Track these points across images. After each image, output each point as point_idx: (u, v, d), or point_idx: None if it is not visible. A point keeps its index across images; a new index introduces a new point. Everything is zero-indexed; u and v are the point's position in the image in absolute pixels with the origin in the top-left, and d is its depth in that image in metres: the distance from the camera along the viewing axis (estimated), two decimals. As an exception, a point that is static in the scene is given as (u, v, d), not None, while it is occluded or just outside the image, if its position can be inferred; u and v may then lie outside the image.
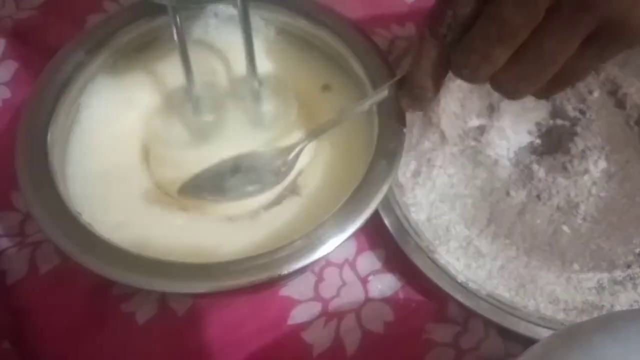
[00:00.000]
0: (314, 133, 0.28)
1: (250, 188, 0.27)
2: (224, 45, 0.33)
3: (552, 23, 0.20)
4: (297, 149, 0.28)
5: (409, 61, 0.35)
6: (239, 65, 0.30)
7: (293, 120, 0.31)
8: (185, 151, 0.30)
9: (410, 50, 0.30)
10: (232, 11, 0.33)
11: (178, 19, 0.26)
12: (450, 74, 0.26)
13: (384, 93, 0.27)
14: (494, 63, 0.22)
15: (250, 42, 0.28)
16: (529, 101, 0.36)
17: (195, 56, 0.29)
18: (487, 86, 0.37)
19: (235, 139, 0.30)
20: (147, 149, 0.31)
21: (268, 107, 0.31)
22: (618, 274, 0.30)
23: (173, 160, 0.30)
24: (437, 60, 0.24)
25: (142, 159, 0.30)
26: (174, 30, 0.26)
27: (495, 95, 0.36)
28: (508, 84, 0.23)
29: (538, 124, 0.36)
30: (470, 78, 0.23)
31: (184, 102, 0.30)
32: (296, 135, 0.29)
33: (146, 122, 0.31)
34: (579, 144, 0.34)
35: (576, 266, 0.31)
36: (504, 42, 0.21)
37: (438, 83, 0.25)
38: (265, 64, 0.33)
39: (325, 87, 0.33)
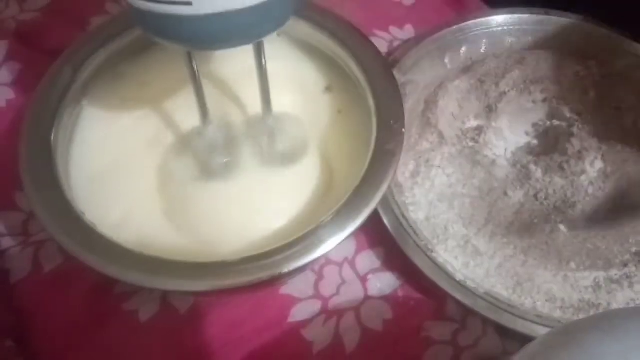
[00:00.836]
0: None
1: None
2: (234, 72, 0.32)
3: None
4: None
5: (408, 63, 0.36)
6: (251, 97, 0.30)
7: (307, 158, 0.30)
8: (196, 191, 0.29)
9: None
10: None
11: (195, 66, 0.25)
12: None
13: None
14: None
15: (266, 82, 0.27)
16: (526, 102, 0.37)
17: (207, 90, 0.28)
18: (485, 87, 0.37)
19: (249, 180, 0.29)
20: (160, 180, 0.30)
21: (283, 145, 0.30)
22: (614, 272, 0.31)
23: (184, 198, 0.29)
24: None
25: (145, 159, 0.31)
26: (190, 74, 0.26)
27: (493, 96, 0.36)
28: None
29: (535, 125, 0.36)
30: None
31: (199, 143, 0.30)
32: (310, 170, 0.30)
33: (155, 147, 0.31)
34: (576, 144, 0.34)
35: (573, 265, 0.31)
36: None
37: None
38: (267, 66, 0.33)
39: (328, 89, 0.33)
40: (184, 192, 0.29)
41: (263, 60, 0.26)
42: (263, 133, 0.30)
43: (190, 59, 0.25)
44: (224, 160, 0.30)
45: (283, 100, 0.31)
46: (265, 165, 0.30)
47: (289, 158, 0.30)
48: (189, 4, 0.20)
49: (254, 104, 0.29)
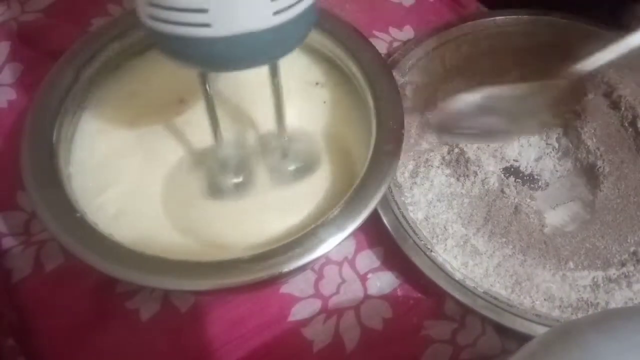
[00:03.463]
0: None
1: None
2: (249, 94, 0.32)
3: None
4: None
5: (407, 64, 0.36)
6: (264, 116, 0.29)
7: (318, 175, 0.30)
8: (205, 209, 0.29)
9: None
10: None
11: (208, 87, 0.25)
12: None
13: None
14: None
15: (280, 100, 0.27)
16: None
17: (220, 106, 0.27)
18: (484, 88, 0.37)
19: (261, 200, 0.29)
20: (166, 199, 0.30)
21: (296, 163, 0.30)
22: (613, 272, 0.31)
23: (192, 214, 0.29)
24: None
25: (145, 158, 0.31)
26: (204, 94, 0.25)
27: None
28: None
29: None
30: None
31: (212, 162, 0.29)
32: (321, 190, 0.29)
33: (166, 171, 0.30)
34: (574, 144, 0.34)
35: (571, 264, 0.31)
36: None
37: None
38: (263, 68, 0.33)
39: (318, 84, 0.33)
40: (192, 208, 0.29)
41: (278, 78, 0.26)
42: (276, 151, 0.30)
43: (203, 79, 0.25)
44: (236, 181, 0.29)
45: (309, 155, 0.31)
46: (275, 182, 0.30)
47: (301, 174, 0.30)
48: (208, 25, 0.20)
49: (267, 121, 0.29)
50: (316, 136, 0.31)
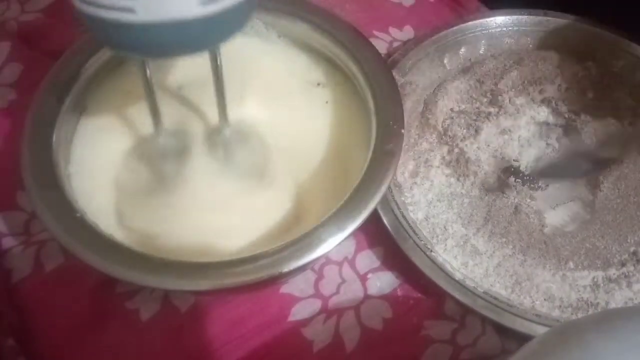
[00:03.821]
0: None
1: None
2: (196, 85, 0.31)
3: None
4: None
5: (407, 64, 0.36)
6: (211, 109, 0.29)
7: (264, 170, 0.29)
8: (151, 200, 0.28)
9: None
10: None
11: (148, 72, 0.25)
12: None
13: None
14: None
15: (222, 88, 0.26)
16: (525, 103, 0.37)
17: (166, 100, 0.27)
18: (484, 88, 0.38)
19: (203, 190, 0.28)
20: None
21: (240, 156, 0.29)
22: (613, 272, 0.31)
23: (141, 208, 0.28)
24: None
25: (146, 157, 0.31)
26: (143, 81, 0.25)
27: (491, 97, 0.37)
28: None
29: (534, 125, 0.36)
30: None
31: (153, 149, 0.29)
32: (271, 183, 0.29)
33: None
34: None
35: (571, 264, 0.31)
36: None
37: None
38: (265, 69, 0.33)
39: (320, 84, 0.33)
40: (138, 203, 0.28)
41: (218, 62, 0.25)
42: (220, 144, 0.29)
43: (143, 64, 0.24)
44: (175, 168, 0.29)
45: (253, 148, 0.31)
46: (222, 179, 0.29)
47: (249, 174, 0.29)
48: (132, 10, 0.20)
49: (215, 112, 0.28)
50: (265, 138, 0.30)
